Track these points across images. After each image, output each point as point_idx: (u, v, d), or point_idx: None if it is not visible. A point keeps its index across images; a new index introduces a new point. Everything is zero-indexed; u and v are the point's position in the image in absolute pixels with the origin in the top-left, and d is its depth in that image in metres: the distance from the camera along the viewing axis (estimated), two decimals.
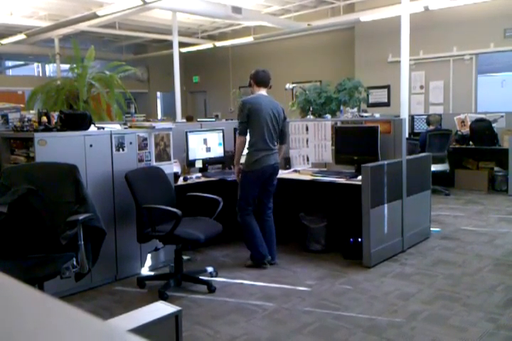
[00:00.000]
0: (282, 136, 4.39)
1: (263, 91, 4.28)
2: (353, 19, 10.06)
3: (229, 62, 14.31)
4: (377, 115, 6.94)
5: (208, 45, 12.96)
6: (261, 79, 4.27)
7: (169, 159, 4.32)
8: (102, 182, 3.85)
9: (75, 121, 3.75)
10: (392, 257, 4.42)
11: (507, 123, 7.89)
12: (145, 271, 4.22)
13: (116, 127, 4.31)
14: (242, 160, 4.28)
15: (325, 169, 5.06)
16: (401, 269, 4.13)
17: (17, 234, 2.99)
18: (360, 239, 4.25)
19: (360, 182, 4.16)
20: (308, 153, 5.22)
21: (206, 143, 5.07)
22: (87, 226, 2.97)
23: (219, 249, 4.83)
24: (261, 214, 4.37)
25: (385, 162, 4.36)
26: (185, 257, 4.18)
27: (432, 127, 7.64)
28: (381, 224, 4.30)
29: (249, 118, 4.12)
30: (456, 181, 8.10)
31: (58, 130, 3.71)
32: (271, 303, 3.46)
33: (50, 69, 15.78)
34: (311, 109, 6.77)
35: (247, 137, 4.19)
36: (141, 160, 4.10)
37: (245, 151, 4.25)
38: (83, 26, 10.57)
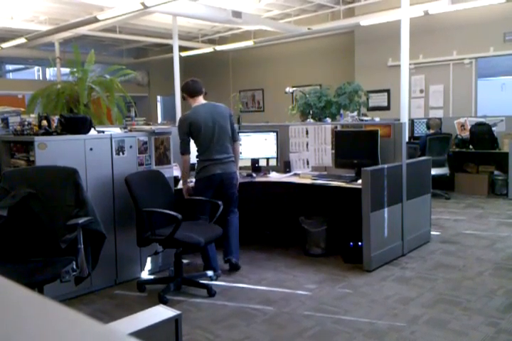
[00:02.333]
0: (232, 134, 4.30)
1: (200, 100, 4.21)
2: (353, 23, 10.07)
3: (229, 66, 14.33)
4: (377, 119, 6.94)
5: (208, 49, 12.98)
6: (193, 90, 4.21)
7: (169, 163, 4.32)
8: (102, 185, 3.85)
9: (75, 124, 3.76)
10: (393, 261, 4.42)
11: (507, 127, 7.90)
12: (145, 274, 4.21)
13: (116, 131, 4.31)
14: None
15: (325, 173, 5.06)
16: (401, 273, 4.12)
17: (17, 237, 2.99)
18: (360, 243, 4.25)
19: (360, 186, 4.16)
20: (308, 156, 5.23)
21: None
22: (86, 229, 2.96)
23: (218, 252, 4.81)
24: (225, 218, 4.35)
25: (385, 166, 4.36)
26: (185, 261, 4.18)
27: (432, 131, 7.65)
28: (381, 228, 4.30)
29: (190, 133, 4.11)
30: (456, 185, 8.10)
31: (58, 134, 3.71)
32: (271, 307, 3.45)
33: (50, 73, 15.79)
34: (311, 112, 6.77)
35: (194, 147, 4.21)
36: (141, 164, 4.10)
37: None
38: (84, 30, 10.59)
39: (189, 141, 4.16)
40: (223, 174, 4.19)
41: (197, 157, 4.24)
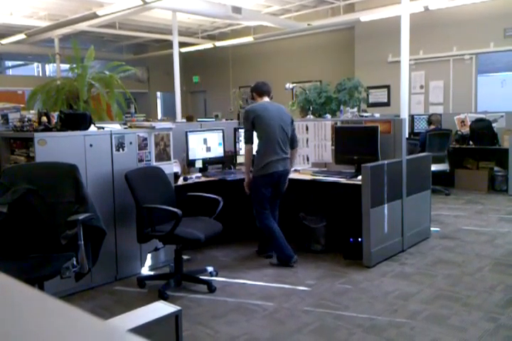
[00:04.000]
0: (292, 140, 4.41)
1: (266, 99, 4.38)
2: (353, 19, 10.05)
3: (229, 62, 14.30)
4: (377, 115, 6.93)
5: (207, 45, 12.96)
6: (262, 89, 4.39)
7: (169, 159, 4.32)
8: (102, 182, 3.85)
9: (75, 121, 3.76)
10: (392, 257, 4.42)
11: (507, 123, 7.89)
12: (145, 270, 4.22)
13: (116, 127, 4.31)
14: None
15: (325, 169, 5.06)
16: (401, 269, 4.13)
17: (17, 233, 3.00)
18: (360, 239, 4.25)
19: (360, 182, 4.16)
20: (308, 152, 5.22)
21: (206, 143, 5.07)
22: (87, 226, 2.97)
23: (219, 248, 4.83)
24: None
25: (385, 162, 4.36)
26: (185, 257, 4.18)
27: (432, 127, 7.64)
28: (381, 224, 4.30)
29: (254, 125, 4.20)
30: (456, 181, 8.10)
31: (58, 130, 3.71)
32: (271, 303, 3.46)
33: (50, 69, 15.77)
34: (311, 108, 6.76)
35: (256, 143, 4.28)
36: (141, 160, 4.10)
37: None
38: (83, 26, 10.57)
39: (253, 131, 4.25)
40: (283, 171, 4.30)
41: (257, 152, 4.27)
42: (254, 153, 4.32)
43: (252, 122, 4.21)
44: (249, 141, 4.25)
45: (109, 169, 3.90)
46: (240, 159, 5.28)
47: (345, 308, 3.33)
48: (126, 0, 8.08)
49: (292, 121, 4.43)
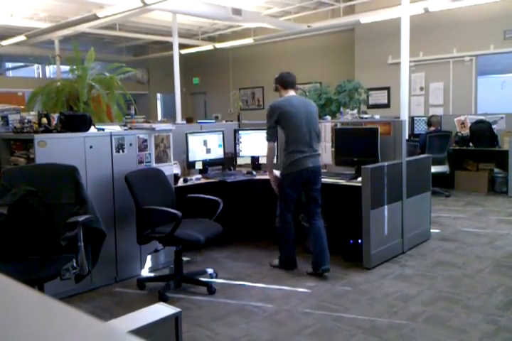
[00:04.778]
0: (318, 133, 4.23)
1: (292, 93, 4.16)
2: (353, 21, 10.06)
3: (229, 64, 14.31)
4: (377, 116, 6.95)
5: (208, 46, 12.97)
6: (287, 81, 4.14)
7: (169, 160, 4.32)
8: (102, 183, 3.85)
9: (75, 122, 3.76)
10: (392, 259, 4.42)
11: (507, 125, 7.89)
12: (145, 272, 4.21)
13: (116, 128, 4.31)
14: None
15: (325, 170, 5.05)
16: (401, 271, 4.13)
17: (17, 235, 2.99)
18: (360, 241, 4.25)
19: (360, 184, 4.16)
20: None
21: (206, 145, 5.07)
22: (86, 227, 2.96)
23: (219, 250, 4.82)
24: (309, 219, 4.19)
25: (385, 163, 4.36)
26: (185, 258, 4.18)
27: (432, 128, 7.65)
28: (381, 226, 4.30)
29: (280, 122, 4.01)
30: (456, 183, 8.10)
31: (58, 131, 3.71)
32: (271, 305, 3.45)
33: (50, 70, 15.77)
34: None
35: (283, 139, 4.10)
36: (141, 162, 4.10)
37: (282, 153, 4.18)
38: (83, 28, 10.57)
39: (276, 128, 4.06)
40: (314, 167, 4.03)
41: (285, 150, 4.07)
42: (275, 151, 4.18)
43: (278, 119, 4.00)
44: (271, 138, 4.06)
45: (109, 170, 3.90)
46: (240, 161, 5.29)
47: (345, 310, 3.33)
48: (127, 1, 8.09)
49: (317, 115, 4.25)
